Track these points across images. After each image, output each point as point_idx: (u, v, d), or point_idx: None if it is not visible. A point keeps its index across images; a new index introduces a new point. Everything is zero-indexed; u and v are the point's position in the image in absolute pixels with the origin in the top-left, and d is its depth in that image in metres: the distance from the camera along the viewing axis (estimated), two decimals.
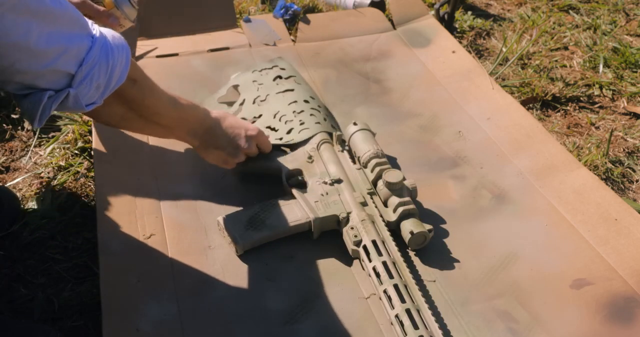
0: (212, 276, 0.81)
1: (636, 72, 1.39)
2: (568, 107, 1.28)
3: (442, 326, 0.75)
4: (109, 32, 0.69)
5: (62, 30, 0.62)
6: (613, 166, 1.12)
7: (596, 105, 1.30)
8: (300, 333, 0.75)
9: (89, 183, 1.03)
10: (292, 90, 1.04)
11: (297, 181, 0.92)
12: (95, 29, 0.67)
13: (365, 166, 0.93)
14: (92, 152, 1.01)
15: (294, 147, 0.97)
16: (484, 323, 0.76)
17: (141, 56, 1.24)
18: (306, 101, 1.03)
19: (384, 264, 0.77)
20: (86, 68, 0.64)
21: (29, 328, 0.77)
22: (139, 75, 0.77)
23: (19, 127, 1.16)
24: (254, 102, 1.04)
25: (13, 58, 0.59)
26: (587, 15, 1.63)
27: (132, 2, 0.89)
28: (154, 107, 0.81)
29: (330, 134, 0.98)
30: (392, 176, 0.87)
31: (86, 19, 0.67)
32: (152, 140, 1.03)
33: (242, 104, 1.05)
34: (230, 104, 1.07)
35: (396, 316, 0.73)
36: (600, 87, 1.34)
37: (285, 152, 0.97)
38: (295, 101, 1.02)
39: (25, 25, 0.58)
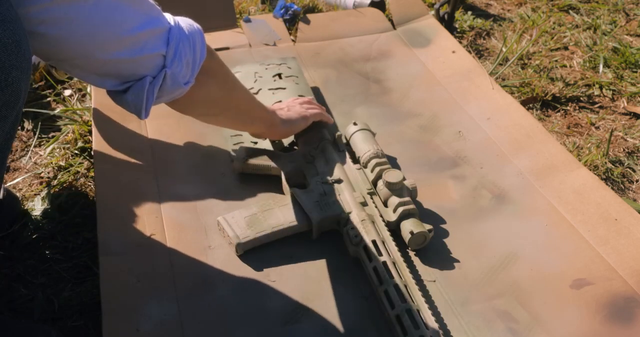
0: (212, 276, 0.81)
1: (636, 72, 1.39)
2: (568, 107, 1.28)
3: (442, 326, 0.75)
4: (166, 13, 0.71)
5: (148, 13, 0.64)
6: (613, 166, 1.12)
7: (596, 105, 1.30)
8: (300, 333, 0.75)
9: (89, 183, 1.03)
10: (284, 89, 1.05)
11: (297, 180, 0.92)
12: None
13: (365, 166, 0.93)
14: (92, 152, 1.01)
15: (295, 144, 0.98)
16: (484, 323, 0.76)
17: None
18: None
19: (384, 264, 0.77)
20: (173, 46, 0.66)
21: (29, 328, 0.77)
22: (209, 48, 0.78)
23: (19, 127, 1.16)
24: None
25: (114, 47, 0.62)
26: (587, 15, 1.63)
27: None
28: (234, 81, 0.83)
29: (333, 136, 0.98)
30: (392, 175, 0.87)
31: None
32: (152, 141, 1.03)
33: None
34: None
35: (396, 316, 0.73)
36: (600, 87, 1.34)
37: (285, 152, 0.97)
38: (280, 101, 1.02)
39: (123, 11, 0.61)
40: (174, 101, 0.75)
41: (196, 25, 0.72)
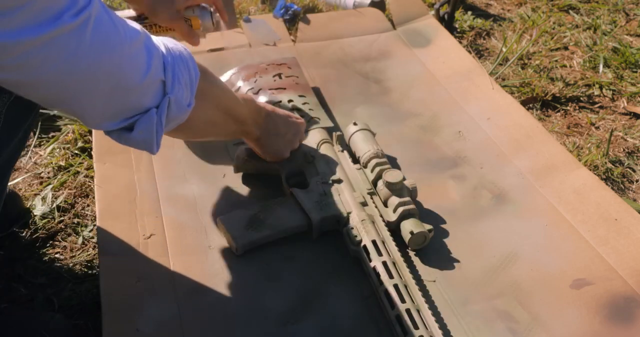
0: (212, 275, 0.81)
1: (636, 72, 1.39)
2: (568, 107, 1.28)
3: (442, 326, 0.75)
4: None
5: (148, 46, 0.60)
6: (613, 166, 1.12)
7: (596, 105, 1.30)
8: (300, 333, 0.75)
9: (89, 183, 1.03)
10: (284, 89, 1.06)
11: (297, 181, 0.92)
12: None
13: (365, 166, 0.93)
14: (92, 152, 1.01)
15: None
16: (484, 323, 0.76)
17: None
18: (290, 100, 1.03)
19: (384, 264, 0.77)
20: (170, 70, 0.62)
21: (32, 314, 0.78)
22: (201, 66, 0.74)
23: None
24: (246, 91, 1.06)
25: (119, 75, 0.57)
26: (587, 15, 1.63)
27: (214, 19, 0.94)
28: (226, 99, 0.79)
29: (331, 135, 0.98)
30: (392, 175, 0.87)
31: None
32: None
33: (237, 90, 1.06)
34: None
35: (396, 316, 0.73)
36: (600, 87, 1.34)
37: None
38: (280, 101, 1.02)
39: (128, 58, 0.57)
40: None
41: (180, 44, 0.68)
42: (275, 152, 0.91)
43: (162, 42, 0.65)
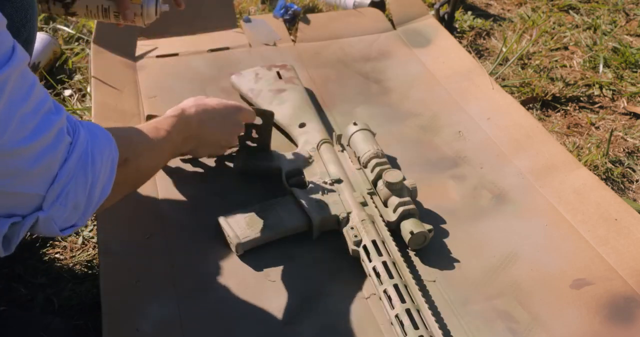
0: (212, 276, 0.81)
1: (636, 72, 1.39)
2: (568, 107, 1.28)
3: (442, 326, 0.75)
4: (94, 128, 0.59)
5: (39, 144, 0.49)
6: (613, 166, 1.12)
7: (596, 105, 1.30)
8: (300, 333, 0.75)
9: None
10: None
11: (297, 180, 0.92)
12: (79, 128, 0.56)
13: (365, 166, 0.93)
14: None
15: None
16: (484, 323, 0.76)
17: (141, 56, 1.24)
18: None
19: (384, 264, 0.77)
20: (58, 187, 0.52)
21: (32, 316, 0.78)
22: (131, 151, 0.65)
23: None
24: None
25: None
26: (587, 15, 1.63)
27: (158, 7, 0.88)
28: (152, 164, 0.77)
29: (331, 135, 0.98)
30: (392, 175, 0.87)
31: (70, 115, 0.56)
32: None
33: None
34: None
35: (396, 316, 0.73)
36: (600, 87, 1.34)
37: (285, 152, 0.97)
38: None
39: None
40: None
41: (113, 150, 0.58)
42: (219, 148, 0.91)
43: (84, 147, 0.55)
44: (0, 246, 0.53)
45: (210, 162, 0.99)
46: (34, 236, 0.93)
